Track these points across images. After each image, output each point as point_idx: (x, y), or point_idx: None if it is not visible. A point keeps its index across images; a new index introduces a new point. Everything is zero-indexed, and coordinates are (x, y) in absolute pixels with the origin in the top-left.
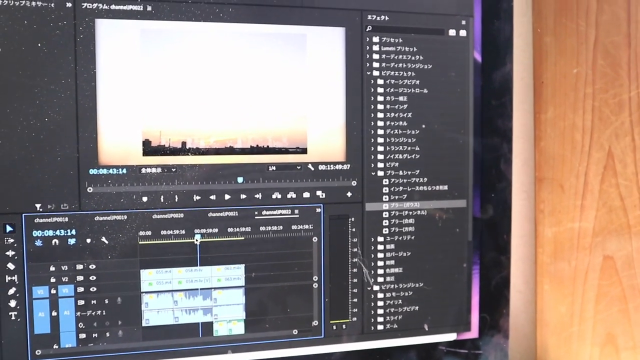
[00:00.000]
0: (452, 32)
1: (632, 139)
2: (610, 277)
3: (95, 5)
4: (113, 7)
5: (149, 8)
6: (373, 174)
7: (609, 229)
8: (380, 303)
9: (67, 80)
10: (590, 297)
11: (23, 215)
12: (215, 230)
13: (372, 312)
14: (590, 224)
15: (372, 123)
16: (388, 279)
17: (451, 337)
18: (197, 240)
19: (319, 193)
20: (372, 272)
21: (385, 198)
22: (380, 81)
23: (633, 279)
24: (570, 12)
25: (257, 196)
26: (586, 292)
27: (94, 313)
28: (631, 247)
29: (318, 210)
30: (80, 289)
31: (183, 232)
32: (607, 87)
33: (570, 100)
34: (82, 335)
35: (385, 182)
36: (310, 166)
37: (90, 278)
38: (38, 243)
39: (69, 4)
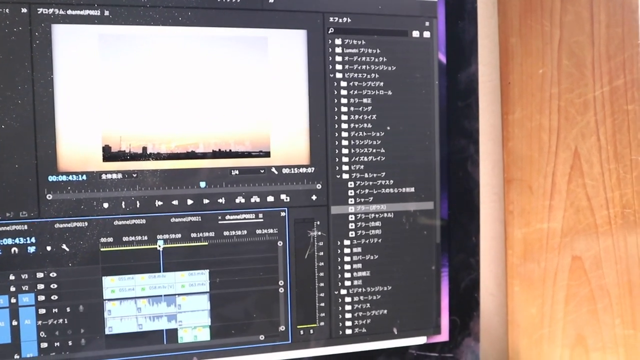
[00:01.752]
0: (415, 34)
1: (598, 139)
2: (579, 277)
3: (51, 10)
4: (70, 12)
5: (107, 13)
6: (338, 176)
7: (577, 229)
8: (348, 307)
9: (23, 86)
10: (560, 298)
11: None
12: (178, 235)
13: (340, 316)
14: (558, 225)
15: (336, 125)
16: (355, 282)
17: (421, 340)
18: (159, 246)
19: (283, 197)
20: (339, 275)
21: (351, 201)
22: (343, 83)
23: (601, 279)
24: (535, 13)
25: (220, 201)
26: (556, 293)
27: (55, 322)
28: (599, 247)
29: (283, 214)
30: (41, 298)
31: (145, 238)
32: (573, 87)
33: (537, 100)
34: (44, 345)
35: (351, 184)
36: (274, 170)
37: (51, 286)
38: None
39: (24, 10)
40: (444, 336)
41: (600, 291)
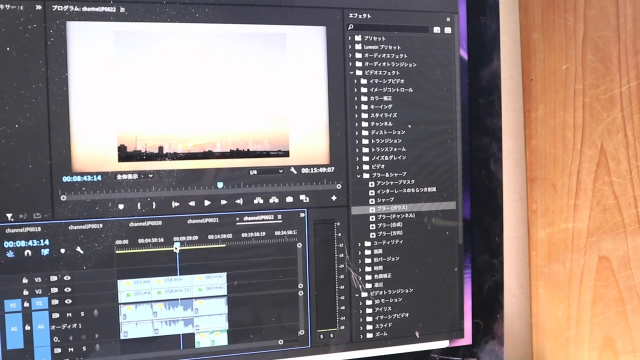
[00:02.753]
0: (436, 30)
1: (625, 135)
2: (607, 278)
3: (66, 7)
4: (85, 9)
5: (122, 9)
6: (358, 176)
7: (604, 228)
8: (369, 310)
9: (37, 85)
10: (587, 300)
11: None
12: (195, 237)
13: (361, 319)
14: (584, 224)
15: (356, 124)
16: (377, 285)
17: (444, 344)
18: (176, 249)
19: (302, 197)
20: (360, 278)
21: (372, 201)
22: (363, 81)
23: (630, 279)
24: (558, 8)
25: (238, 201)
26: (582, 294)
27: (69, 326)
28: (627, 247)
29: (302, 215)
30: (55, 302)
31: (161, 240)
32: (598, 83)
33: (561, 97)
34: (57, 350)
35: (371, 184)
36: (292, 169)
37: (65, 290)
38: (9, 254)
39: (38, 7)
40: (467, 340)
41: (628, 292)
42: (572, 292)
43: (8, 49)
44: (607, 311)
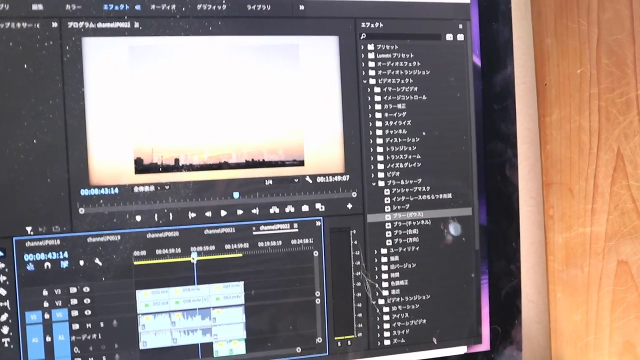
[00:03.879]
0: (449, 37)
1: None
2: (626, 282)
3: (81, 24)
4: (100, 25)
5: (137, 24)
6: (374, 184)
7: (622, 232)
8: (386, 317)
9: (55, 100)
10: (606, 305)
11: (14, 239)
12: (212, 247)
13: (378, 326)
14: (602, 228)
15: (371, 132)
16: (393, 292)
17: (461, 350)
18: (193, 259)
19: (318, 206)
20: (377, 285)
21: (387, 209)
22: (377, 89)
23: None
24: (571, 12)
25: (254, 211)
26: (601, 299)
27: (89, 337)
28: None
29: (318, 223)
30: (75, 313)
31: (179, 250)
32: (613, 86)
33: (576, 101)
34: None
35: (387, 192)
36: (308, 178)
37: (85, 301)
38: (30, 267)
39: (54, 24)
40: (485, 345)
41: None
42: (591, 297)
43: (25, 66)
44: (626, 316)
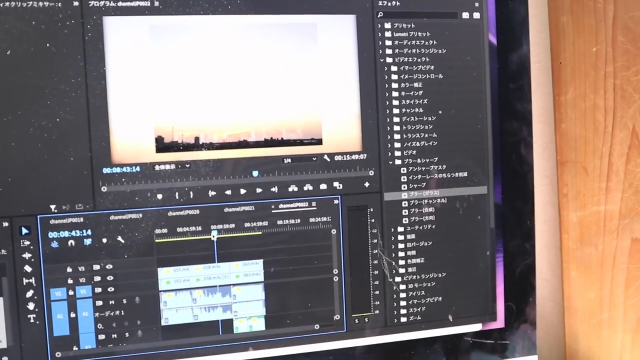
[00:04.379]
0: (465, 15)
1: None
2: None
3: (102, 2)
4: (120, 4)
5: (157, 3)
6: (390, 162)
7: (636, 210)
8: (402, 295)
9: (77, 79)
10: (620, 282)
11: (38, 217)
12: (232, 225)
13: (395, 304)
14: (616, 207)
15: (388, 111)
16: (410, 269)
17: (477, 327)
18: (213, 237)
19: (336, 184)
20: (393, 263)
21: (404, 187)
22: (394, 68)
23: None
24: None
25: (273, 189)
26: (615, 276)
27: (112, 313)
28: None
29: (336, 201)
30: (98, 290)
31: (199, 228)
32: (629, 65)
33: (591, 79)
34: (102, 337)
35: (403, 170)
36: (326, 157)
37: (108, 278)
38: (54, 244)
39: (76, 3)
40: (499, 323)
41: None
42: (605, 274)
43: (48, 45)
44: None
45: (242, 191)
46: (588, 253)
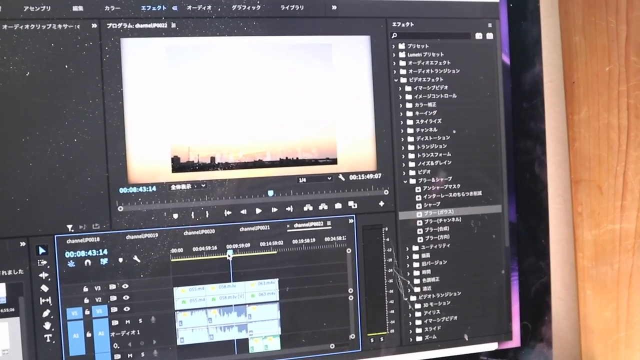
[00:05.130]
0: (478, 36)
1: None
2: None
3: (120, 24)
4: (138, 25)
5: (174, 25)
6: (405, 182)
7: None
8: (418, 314)
9: (94, 100)
10: (636, 301)
11: (55, 236)
12: (247, 245)
13: (410, 323)
14: (632, 225)
15: (402, 130)
16: (425, 288)
17: (492, 346)
18: (229, 256)
19: (351, 203)
20: (409, 282)
21: (419, 206)
22: (408, 88)
23: None
24: (599, 10)
25: (288, 209)
26: (632, 295)
27: (128, 333)
28: None
29: (351, 220)
30: (114, 309)
31: (215, 248)
32: None
33: (604, 99)
34: (117, 356)
35: (418, 189)
36: (341, 176)
37: (124, 298)
38: (71, 264)
39: (94, 25)
40: (515, 342)
41: None
42: (621, 293)
43: (66, 66)
44: None
45: (258, 210)
46: (604, 272)
